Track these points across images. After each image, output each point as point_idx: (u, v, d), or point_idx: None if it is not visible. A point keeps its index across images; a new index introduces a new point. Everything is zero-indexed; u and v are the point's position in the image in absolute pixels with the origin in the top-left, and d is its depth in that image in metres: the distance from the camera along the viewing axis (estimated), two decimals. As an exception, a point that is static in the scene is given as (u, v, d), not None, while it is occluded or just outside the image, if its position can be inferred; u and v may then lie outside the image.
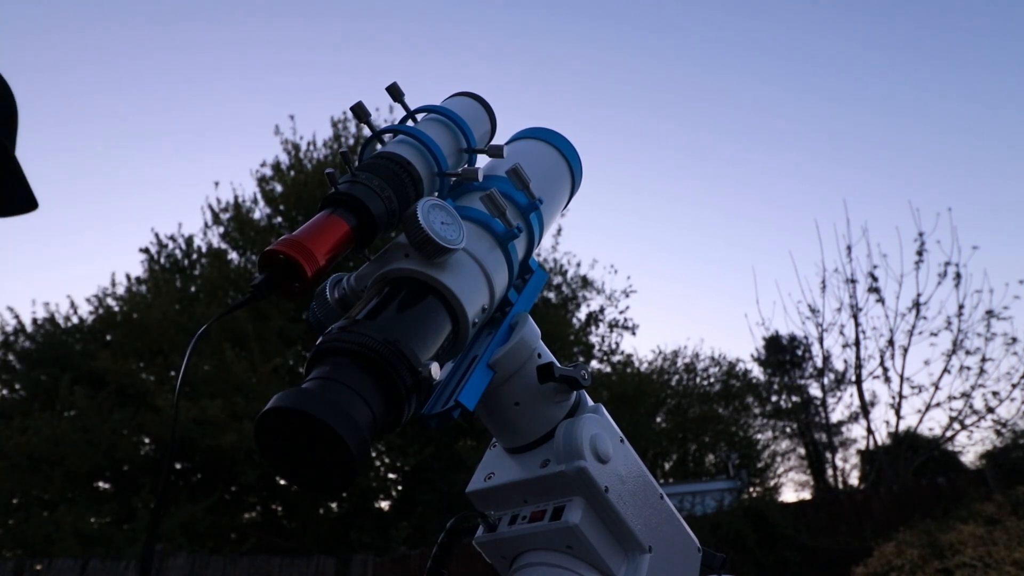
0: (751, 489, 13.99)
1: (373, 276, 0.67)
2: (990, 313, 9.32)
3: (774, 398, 17.53)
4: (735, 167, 26.31)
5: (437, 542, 0.74)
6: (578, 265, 15.07)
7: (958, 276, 9.43)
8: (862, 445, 14.61)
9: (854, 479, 14.90)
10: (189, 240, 12.57)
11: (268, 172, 12.54)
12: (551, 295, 13.85)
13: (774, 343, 16.51)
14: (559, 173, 0.90)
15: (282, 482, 11.01)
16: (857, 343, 10.12)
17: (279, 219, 12.41)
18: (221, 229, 12.55)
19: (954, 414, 9.41)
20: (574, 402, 0.77)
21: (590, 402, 0.79)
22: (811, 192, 25.46)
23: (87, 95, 22.05)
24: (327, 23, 24.36)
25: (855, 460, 15.83)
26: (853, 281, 10.12)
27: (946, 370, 9.44)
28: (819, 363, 11.93)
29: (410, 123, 0.81)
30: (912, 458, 9.66)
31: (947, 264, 9.52)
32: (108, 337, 12.11)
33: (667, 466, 16.31)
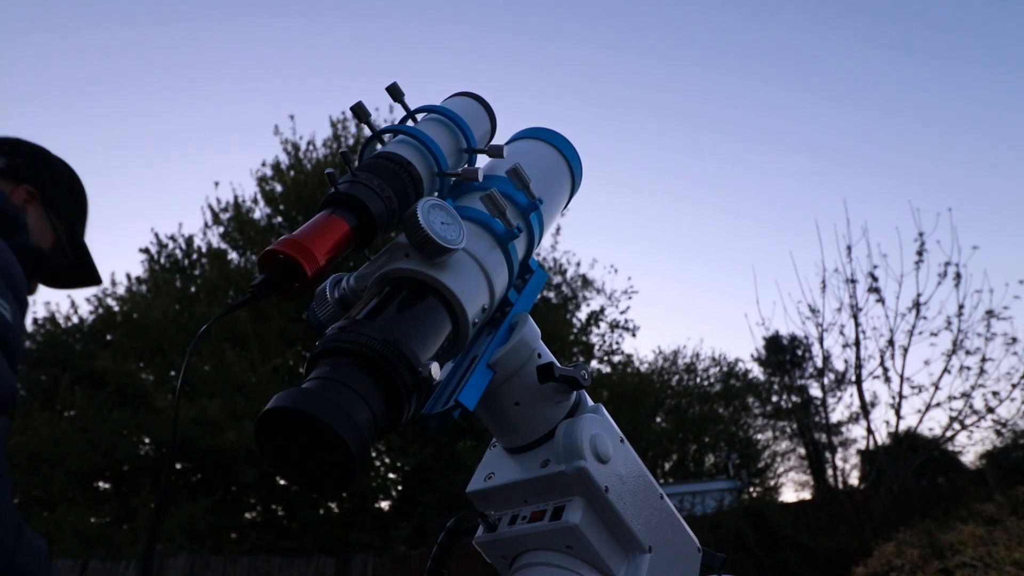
0: (751, 489, 13.99)
1: (373, 276, 0.67)
2: (990, 313, 9.32)
3: (774, 398, 17.54)
4: (735, 167, 26.32)
5: (437, 542, 0.74)
6: (578, 265, 15.09)
7: (958, 276, 9.42)
8: (862, 445, 14.63)
9: (854, 479, 14.91)
10: (189, 240, 12.57)
11: (268, 172, 12.55)
12: (551, 295, 13.85)
13: (774, 343, 16.52)
14: (559, 173, 0.90)
15: (282, 482, 11.00)
16: (857, 343, 10.12)
17: (279, 219, 12.41)
18: (221, 229, 12.55)
19: (954, 414, 9.40)
20: (574, 402, 0.77)
21: (590, 402, 0.79)
22: (811, 192, 25.48)
23: (87, 95, 22.07)
24: (327, 23, 24.36)
25: (855, 460, 15.85)
26: (853, 281, 10.12)
27: (946, 370, 9.43)
28: (819, 363, 11.93)
29: (410, 123, 0.81)
30: (912, 458, 9.65)
31: (947, 264, 9.52)
32: (108, 337, 12.11)
33: (667, 466, 16.31)
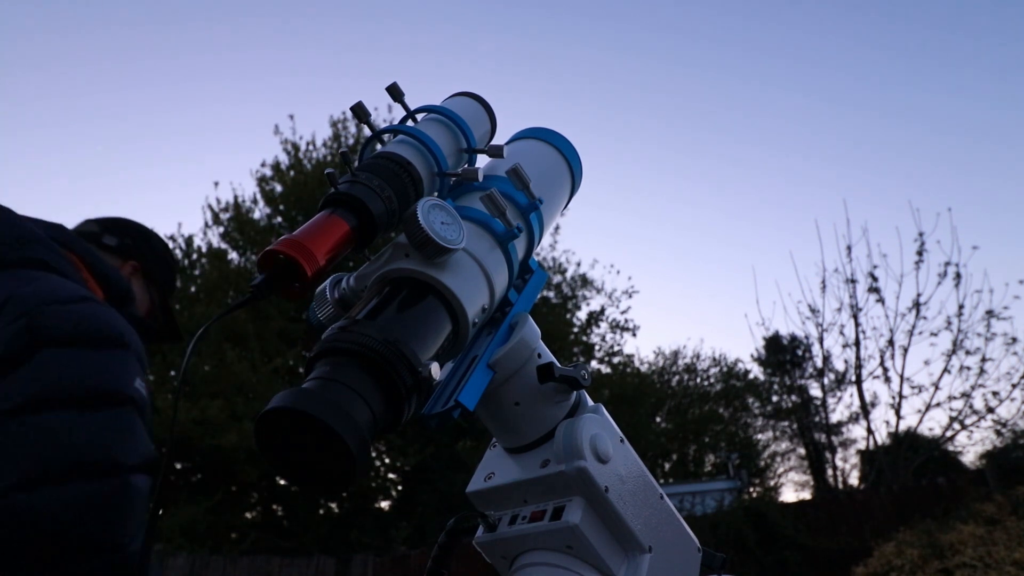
0: (751, 489, 14.00)
1: (373, 276, 0.67)
2: (990, 313, 9.33)
3: (774, 398, 17.55)
4: (735, 167, 26.33)
5: (437, 542, 0.74)
6: (578, 264, 15.10)
7: (958, 276, 9.44)
8: (862, 445, 14.64)
9: (854, 479, 14.92)
10: (189, 240, 12.57)
11: (268, 172, 12.56)
12: (551, 294, 13.86)
13: (774, 343, 16.52)
14: (559, 173, 0.90)
15: (282, 482, 11.01)
16: (857, 343, 10.12)
17: (279, 219, 12.42)
18: (221, 229, 12.56)
19: (954, 414, 9.41)
20: (574, 402, 0.77)
21: (590, 402, 0.79)
22: (811, 192, 25.50)
23: (87, 95, 22.08)
24: (327, 23, 24.37)
25: (855, 460, 15.86)
26: (853, 281, 10.13)
27: (946, 370, 9.44)
28: (819, 363, 11.95)
29: (410, 123, 0.81)
30: (912, 458, 9.66)
31: (947, 264, 9.53)
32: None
33: (667, 466, 16.31)
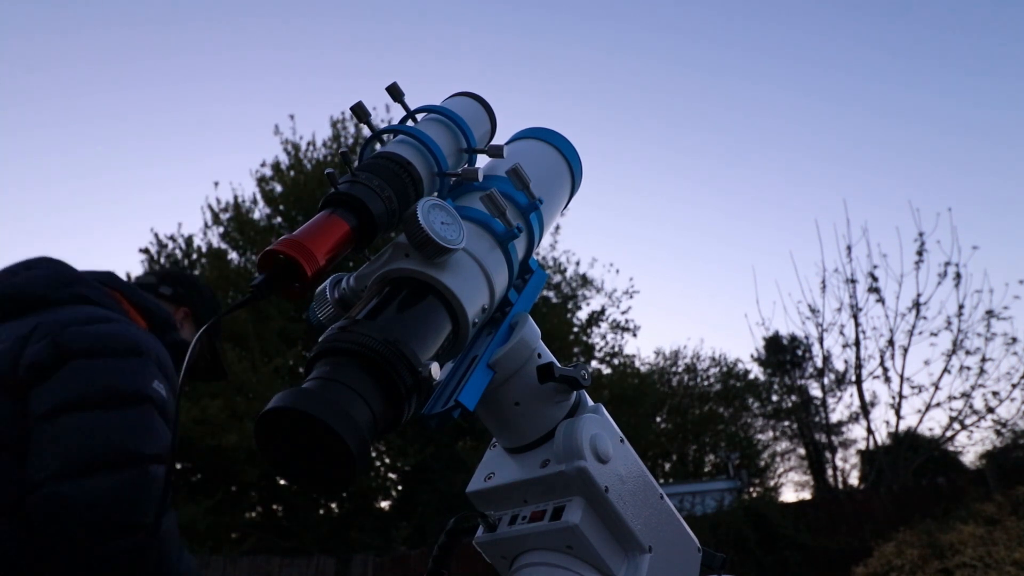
0: (751, 489, 14.00)
1: (373, 276, 0.67)
2: (990, 313, 9.32)
3: (774, 398, 17.55)
4: (735, 167, 26.33)
5: (437, 542, 0.74)
6: (577, 264, 15.09)
7: (958, 276, 9.43)
8: (862, 445, 14.64)
9: (854, 479, 14.93)
10: (189, 240, 12.56)
11: (268, 172, 12.55)
12: (551, 294, 13.85)
13: (774, 343, 16.52)
14: (559, 173, 0.90)
15: (282, 482, 11.00)
16: (857, 343, 10.12)
17: (279, 219, 12.41)
18: (221, 229, 12.55)
19: (954, 414, 9.41)
20: (574, 402, 0.77)
21: (590, 402, 0.79)
22: (811, 192, 25.50)
23: (87, 95, 22.08)
24: (327, 23, 24.37)
25: (855, 460, 15.87)
26: (853, 281, 10.12)
27: (946, 370, 9.44)
28: (819, 363, 11.94)
29: (410, 123, 0.80)
30: (912, 458, 9.65)
31: (947, 264, 9.52)
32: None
33: (667, 466, 16.31)
